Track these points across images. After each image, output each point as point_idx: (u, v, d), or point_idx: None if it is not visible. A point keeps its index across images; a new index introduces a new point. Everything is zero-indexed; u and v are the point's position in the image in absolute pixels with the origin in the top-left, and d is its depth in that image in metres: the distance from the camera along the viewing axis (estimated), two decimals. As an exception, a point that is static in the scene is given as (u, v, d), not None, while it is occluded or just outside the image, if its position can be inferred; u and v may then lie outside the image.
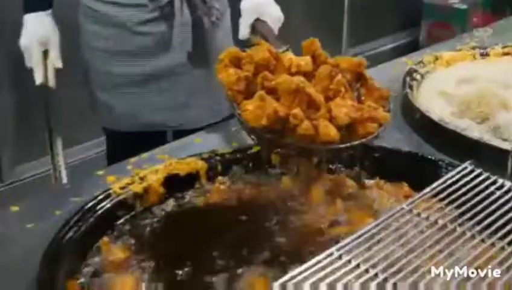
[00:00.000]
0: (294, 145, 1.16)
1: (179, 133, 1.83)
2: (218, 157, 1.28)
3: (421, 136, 1.47)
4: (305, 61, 1.24)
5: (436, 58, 1.78)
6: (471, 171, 1.20)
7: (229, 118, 1.85)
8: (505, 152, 1.30)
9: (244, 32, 1.55)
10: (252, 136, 1.21)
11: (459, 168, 1.15)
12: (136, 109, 1.81)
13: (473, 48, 1.89)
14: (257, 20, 1.54)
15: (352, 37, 4.10)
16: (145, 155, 1.36)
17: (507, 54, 1.87)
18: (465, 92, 1.59)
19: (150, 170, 1.22)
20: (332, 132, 1.13)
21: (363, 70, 1.26)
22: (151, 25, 1.72)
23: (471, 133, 1.41)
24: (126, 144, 1.72)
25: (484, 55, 1.85)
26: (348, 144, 1.16)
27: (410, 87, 1.62)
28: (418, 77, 1.68)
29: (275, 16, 1.57)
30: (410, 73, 1.67)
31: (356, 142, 1.16)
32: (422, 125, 1.48)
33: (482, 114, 1.48)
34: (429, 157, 1.27)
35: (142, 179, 1.21)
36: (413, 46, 4.03)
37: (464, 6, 4.33)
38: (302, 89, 1.16)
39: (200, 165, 1.25)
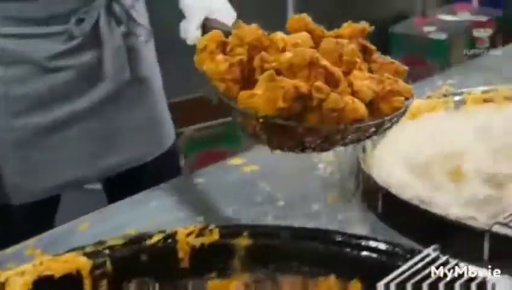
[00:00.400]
0: (320, 129, 1.11)
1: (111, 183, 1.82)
2: (106, 251, 1.15)
3: (375, 213, 1.38)
4: (302, 38, 1.18)
5: (398, 109, 1.82)
6: (435, 259, 1.17)
7: (168, 154, 1.89)
8: (479, 233, 1.23)
9: (194, 34, 1.50)
10: (259, 132, 1.14)
11: (420, 256, 1.07)
12: (52, 165, 1.71)
13: (445, 95, 1.79)
14: (206, 19, 1.50)
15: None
16: (10, 250, 1.23)
17: (489, 100, 1.79)
18: (432, 155, 1.49)
19: (14, 272, 1.09)
20: (361, 108, 1.11)
21: (366, 42, 1.22)
22: (71, 56, 1.66)
23: (436, 208, 1.33)
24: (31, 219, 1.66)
25: (460, 103, 1.78)
26: (382, 119, 1.14)
27: (364, 148, 1.51)
28: (375, 134, 1.69)
29: (226, 12, 1.54)
30: (364, 130, 1.68)
31: (389, 117, 1.14)
32: (376, 199, 1.38)
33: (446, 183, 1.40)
34: (381, 242, 1.16)
35: (3, 284, 1.07)
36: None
37: (444, 37, 4.17)
38: (317, 61, 1.12)
39: (82, 263, 1.13)
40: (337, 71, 1.13)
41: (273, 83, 1.10)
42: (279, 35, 1.20)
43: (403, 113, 1.16)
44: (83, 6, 1.66)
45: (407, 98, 1.17)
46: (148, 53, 1.82)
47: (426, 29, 4.11)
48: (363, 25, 1.22)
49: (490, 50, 2.89)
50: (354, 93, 1.13)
